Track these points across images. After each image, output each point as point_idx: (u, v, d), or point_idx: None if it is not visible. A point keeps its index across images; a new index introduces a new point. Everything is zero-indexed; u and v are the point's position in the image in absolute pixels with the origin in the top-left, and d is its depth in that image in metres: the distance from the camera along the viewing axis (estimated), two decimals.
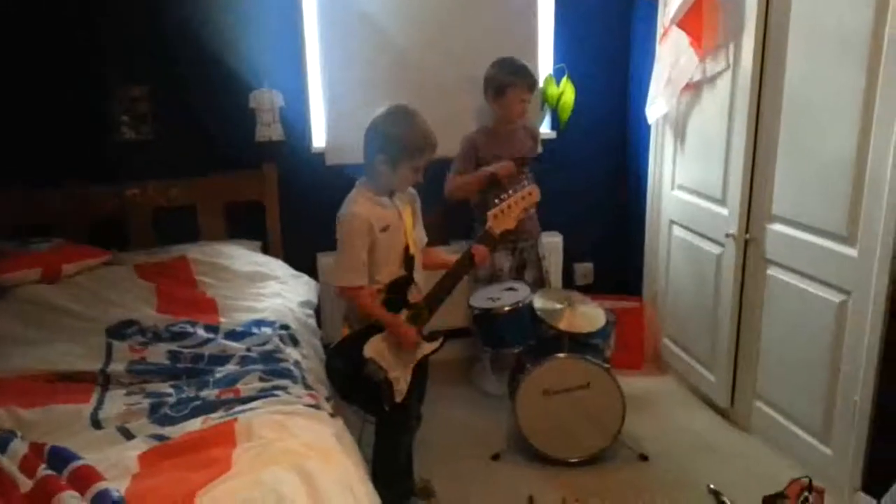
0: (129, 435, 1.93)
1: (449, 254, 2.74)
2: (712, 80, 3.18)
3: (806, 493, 2.37)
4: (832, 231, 2.61)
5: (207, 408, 2.04)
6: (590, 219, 4.07)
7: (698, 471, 2.89)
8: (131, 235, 3.37)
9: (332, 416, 2.13)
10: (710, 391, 3.38)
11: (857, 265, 2.51)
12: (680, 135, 3.52)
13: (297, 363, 2.40)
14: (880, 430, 2.48)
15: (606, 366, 2.94)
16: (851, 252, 2.53)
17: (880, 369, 2.45)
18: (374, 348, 2.40)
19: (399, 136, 2.34)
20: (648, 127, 3.71)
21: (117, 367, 2.32)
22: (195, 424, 1.95)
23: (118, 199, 3.31)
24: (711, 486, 2.74)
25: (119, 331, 2.57)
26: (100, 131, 3.32)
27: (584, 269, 4.16)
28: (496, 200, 2.51)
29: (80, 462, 1.65)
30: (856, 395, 2.53)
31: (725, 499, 2.64)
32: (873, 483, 2.47)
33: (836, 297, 2.62)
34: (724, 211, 3.16)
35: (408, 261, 2.47)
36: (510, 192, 2.51)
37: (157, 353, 2.42)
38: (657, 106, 3.52)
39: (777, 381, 2.98)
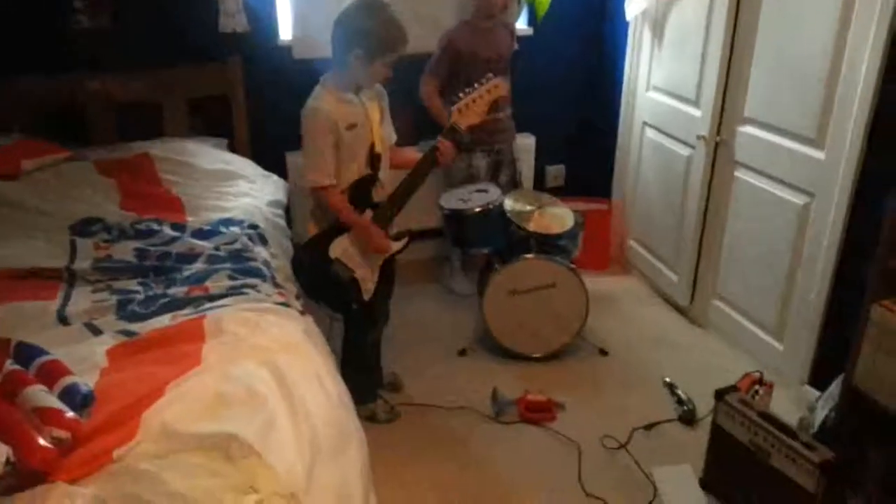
0: (96, 331, 1.93)
1: (418, 152, 2.70)
2: None
3: (756, 387, 2.49)
4: (802, 133, 2.62)
5: (176, 305, 2.04)
6: (563, 120, 4.03)
7: (655, 365, 3.02)
8: (90, 131, 3.25)
9: (301, 313, 2.15)
10: (672, 290, 3.47)
11: (823, 168, 2.54)
12: (658, 33, 3.44)
13: (266, 262, 2.39)
14: (830, 328, 2.59)
15: (573, 266, 2.99)
16: (819, 155, 2.56)
17: (836, 270, 2.53)
18: (340, 248, 2.41)
19: (373, 29, 2.26)
20: (626, 24, 3.61)
21: (83, 264, 2.29)
22: (164, 321, 1.95)
23: (75, 91, 3.17)
24: (667, 378, 2.86)
25: (83, 228, 2.52)
26: (53, 18, 3.14)
27: (555, 171, 4.15)
28: (461, 95, 2.44)
29: (48, 357, 1.65)
30: (811, 295, 2.62)
31: (680, 391, 2.76)
32: (819, 378, 2.60)
33: (800, 200, 2.67)
34: (697, 112, 3.14)
35: (373, 159, 2.44)
36: (475, 85, 2.43)
37: (124, 251, 2.39)
38: (636, 2, 3.41)
39: (736, 281, 3.06)
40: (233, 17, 3.30)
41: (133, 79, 3.24)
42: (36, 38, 3.13)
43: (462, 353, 3.11)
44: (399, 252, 2.55)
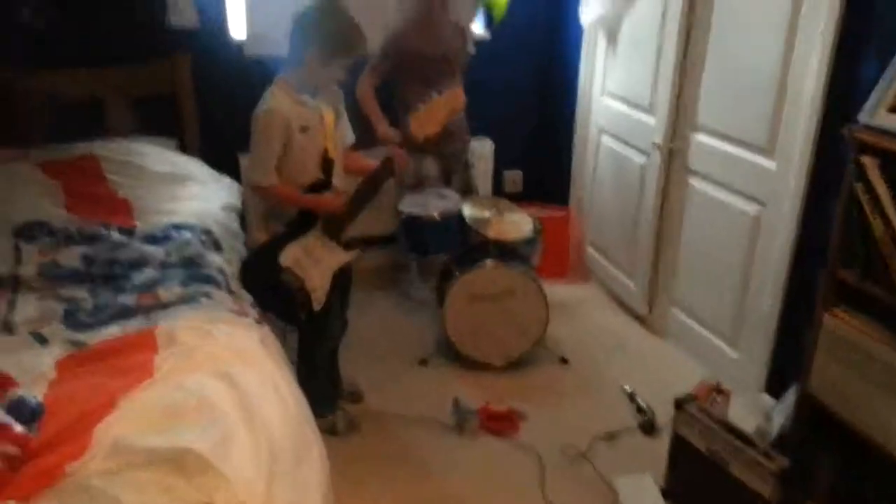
0: (43, 340, 1.84)
1: (370, 158, 2.64)
2: None
3: (714, 395, 2.52)
4: (753, 143, 2.67)
5: (126, 313, 1.96)
6: (520, 125, 4.04)
7: (615, 373, 3.03)
8: (31, 130, 3.09)
9: (257, 322, 2.09)
10: (630, 298, 3.50)
11: (774, 177, 2.59)
12: (612, 40, 3.48)
13: (220, 269, 2.31)
14: (784, 336, 2.64)
15: (532, 273, 2.99)
16: (770, 164, 2.61)
17: (788, 279, 2.58)
18: (290, 256, 2.34)
19: (332, 29, 2.23)
20: (581, 30, 3.64)
21: (27, 270, 2.18)
22: (114, 330, 1.88)
23: (17, 89, 3.03)
24: (627, 387, 2.88)
25: (27, 232, 2.40)
26: None
27: (513, 176, 4.16)
28: (419, 104, 2.38)
29: None
30: (764, 304, 2.67)
31: (639, 399, 2.78)
32: (775, 386, 2.65)
33: (752, 209, 2.71)
34: (652, 120, 3.18)
35: (326, 165, 2.39)
36: (433, 94, 2.38)
37: (70, 256, 2.28)
38: (591, 7, 3.44)
39: (693, 289, 3.11)
40: (182, 12, 3.20)
41: (76, 75, 3.12)
42: None
43: (423, 362, 3.07)
44: (351, 261, 2.49)
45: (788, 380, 2.38)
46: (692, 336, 3.13)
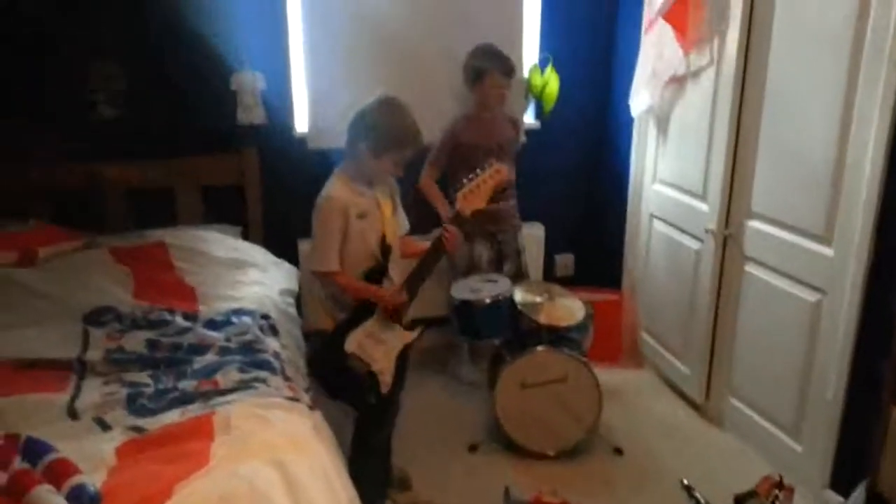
0: (105, 426, 1.91)
1: (424, 241, 2.71)
2: (696, 74, 3.18)
3: (776, 491, 2.41)
4: (810, 230, 2.64)
5: (186, 399, 2.03)
6: (571, 210, 4.09)
7: (672, 465, 2.93)
8: (106, 217, 3.31)
9: (310, 408, 2.13)
10: (686, 385, 3.42)
11: (833, 265, 2.54)
12: (662, 128, 3.53)
13: (276, 354, 2.38)
14: (849, 428, 2.53)
15: (584, 359, 2.96)
16: (828, 251, 2.56)
17: (852, 369, 2.49)
18: (354, 342, 2.39)
19: (386, 127, 2.33)
20: (631, 119, 3.71)
21: (94, 355, 2.28)
22: (173, 416, 1.93)
23: (93, 178, 3.24)
24: (685, 481, 2.78)
25: (96, 317, 2.52)
26: (75, 108, 3.25)
27: (564, 260, 4.18)
28: (464, 181, 2.46)
29: (56, 455, 1.63)
30: (828, 394, 2.58)
31: (698, 494, 2.67)
32: (841, 481, 2.52)
33: (811, 297, 2.66)
34: (705, 206, 3.18)
35: (384, 250, 2.47)
36: (477, 171, 2.46)
37: (135, 342, 2.38)
38: (641, 98, 3.52)
39: (751, 378, 3.02)
40: (250, 109, 3.41)
41: (150, 167, 3.33)
42: (57, 125, 3.22)
43: (473, 448, 3.04)
44: (413, 342, 2.54)
45: (856, 474, 2.27)
46: (752, 426, 3.02)
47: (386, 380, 2.44)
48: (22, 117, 3.16)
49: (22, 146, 3.14)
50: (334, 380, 2.44)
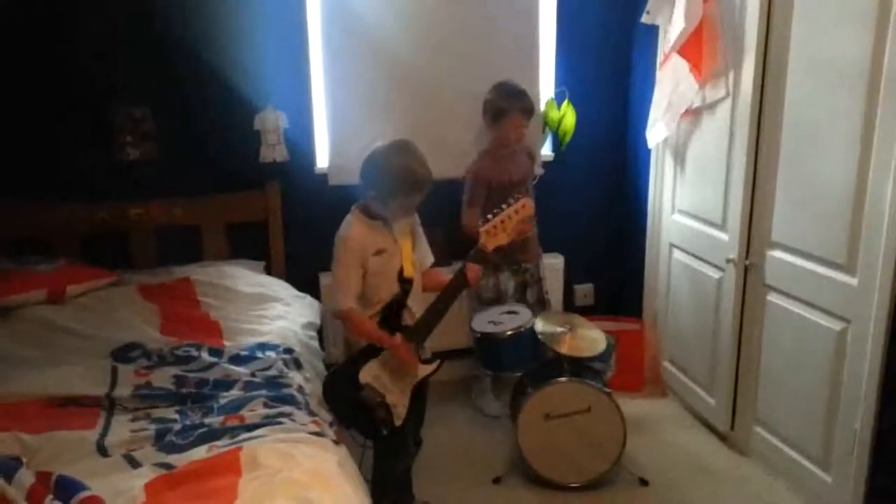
0: (135, 463, 1.93)
1: (448, 274, 2.73)
2: (712, 106, 3.21)
3: None
4: (832, 259, 2.63)
5: (213, 435, 2.05)
6: (590, 240, 4.10)
7: (698, 496, 2.90)
8: (134, 254, 3.38)
9: (336, 442, 2.14)
10: (711, 415, 3.39)
11: (856, 294, 2.52)
12: (680, 159, 3.54)
13: (300, 388, 2.41)
14: (880, 458, 2.49)
15: (607, 390, 2.95)
16: (851, 280, 2.55)
17: (880, 398, 2.47)
18: (370, 374, 2.42)
19: (391, 173, 2.36)
20: (648, 151, 3.74)
21: (123, 391, 2.32)
22: (201, 452, 1.96)
23: (121, 217, 3.32)
24: None
25: (124, 354, 2.57)
26: (103, 150, 3.33)
27: (584, 290, 4.18)
28: (488, 216, 2.47)
29: (88, 493, 1.66)
30: (856, 423, 2.55)
31: None
32: None
33: (835, 325, 2.64)
34: (725, 236, 3.18)
35: (403, 284, 2.49)
36: (503, 206, 2.46)
37: (163, 378, 2.42)
38: (657, 130, 3.54)
39: (777, 407, 2.99)
40: (273, 147, 3.49)
41: (176, 205, 3.40)
42: (86, 166, 3.31)
43: (496, 480, 3.03)
44: (432, 375, 2.55)
45: None
46: (779, 456, 2.98)
47: (399, 412, 2.45)
48: (52, 159, 3.26)
49: (53, 187, 3.23)
50: (347, 410, 2.44)
